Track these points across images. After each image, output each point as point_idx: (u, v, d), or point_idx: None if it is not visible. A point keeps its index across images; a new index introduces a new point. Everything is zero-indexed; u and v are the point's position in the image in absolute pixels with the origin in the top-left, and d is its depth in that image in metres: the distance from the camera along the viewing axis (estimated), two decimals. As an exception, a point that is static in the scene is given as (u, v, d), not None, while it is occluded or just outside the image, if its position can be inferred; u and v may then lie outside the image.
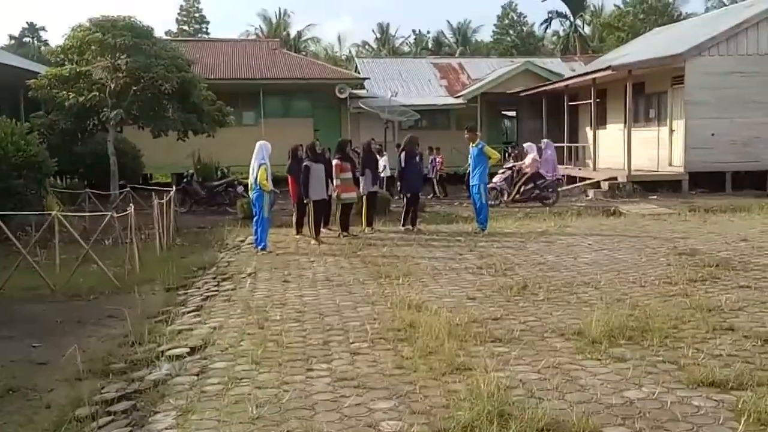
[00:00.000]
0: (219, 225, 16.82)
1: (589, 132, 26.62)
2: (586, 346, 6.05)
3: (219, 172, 21.95)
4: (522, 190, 19.74)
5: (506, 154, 25.75)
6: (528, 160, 19.94)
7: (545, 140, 21.20)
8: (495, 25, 68.98)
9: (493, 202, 16.42)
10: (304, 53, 57.26)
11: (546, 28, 66.12)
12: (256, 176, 12.05)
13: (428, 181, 22.96)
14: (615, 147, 25.00)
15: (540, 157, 19.88)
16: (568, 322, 6.90)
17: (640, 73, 22.52)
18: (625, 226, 14.36)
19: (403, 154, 14.56)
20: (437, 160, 24.27)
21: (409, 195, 14.46)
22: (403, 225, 14.44)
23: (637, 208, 18.01)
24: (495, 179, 19.01)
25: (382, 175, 19.83)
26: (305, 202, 13.11)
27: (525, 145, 20.42)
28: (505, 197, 19.77)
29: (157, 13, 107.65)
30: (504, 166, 21.10)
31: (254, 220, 12.33)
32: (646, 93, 24.13)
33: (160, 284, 9.69)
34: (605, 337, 6.24)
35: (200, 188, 20.63)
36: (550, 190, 19.81)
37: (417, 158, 14.53)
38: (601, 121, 26.33)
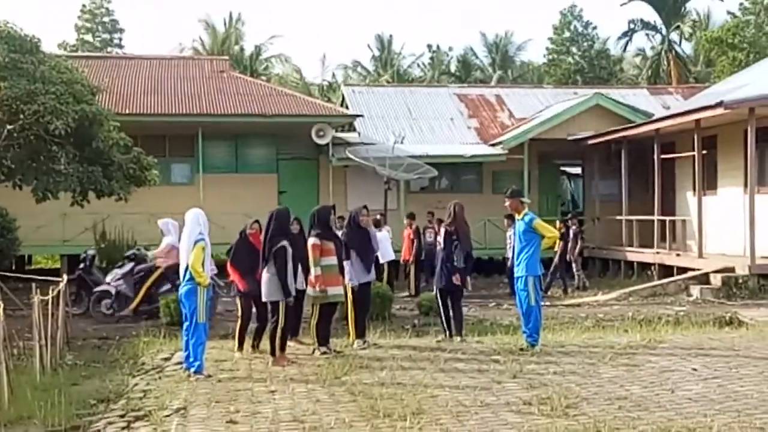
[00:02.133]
0: (131, 334, 16.74)
1: (692, 199, 26.80)
2: None
3: (132, 254, 21.93)
4: None
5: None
6: (162, 245, 19.87)
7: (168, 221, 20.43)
8: (550, 39, 70.13)
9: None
10: (264, 78, 58.15)
11: (626, 44, 67.27)
12: (189, 261, 12.07)
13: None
14: (731, 221, 25.17)
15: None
16: (663, 489, 6.84)
17: (768, 112, 22.86)
18: (747, 343, 14.30)
19: (442, 232, 14.81)
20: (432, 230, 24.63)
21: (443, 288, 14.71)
22: (452, 334, 14.69)
23: (766, 315, 17.96)
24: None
25: (380, 257, 19.88)
26: (264, 300, 13.10)
27: (160, 222, 20.13)
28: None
29: (48, 16, 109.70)
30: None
31: (184, 327, 12.30)
32: (778, 141, 24.46)
33: (41, 425, 9.60)
34: None
35: (104, 278, 20.63)
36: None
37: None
38: (709, 183, 26.58)
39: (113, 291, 19.91)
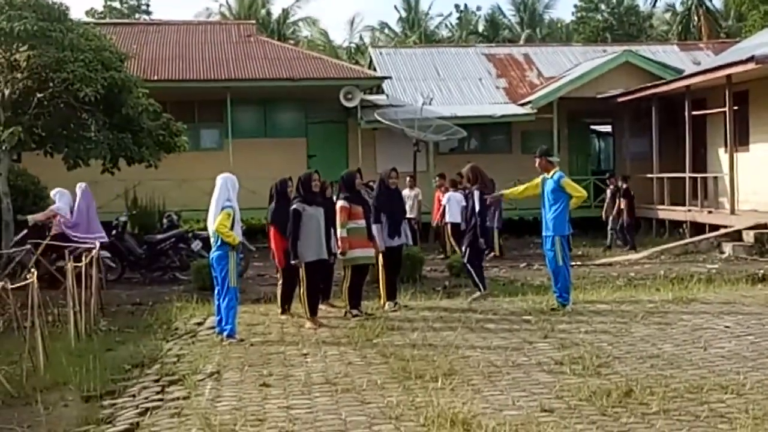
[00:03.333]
0: (164, 300, 16.87)
1: (724, 156, 26.60)
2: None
3: (165, 221, 22.11)
4: None
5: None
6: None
7: (82, 184, 20.19)
8: (578, -4, 69.63)
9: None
10: (292, 42, 58.02)
11: (655, 0, 66.75)
12: (213, 227, 12.09)
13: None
14: (763, 177, 24.98)
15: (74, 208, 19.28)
16: (696, 447, 6.84)
17: (801, 66, 22.62)
18: (781, 299, 14.26)
19: (477, 194, 14.80)
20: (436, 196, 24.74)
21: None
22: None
23: (799, 271, 17.90)
24: None
25: (413, 218, 19.96)
26: (295, 264, 13.14)
27: (53, 192, 19.83)
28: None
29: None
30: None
31: (216, 292, 12.37)
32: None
33: (76, 390, 9.71)
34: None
35: (136, 244, 20.79)
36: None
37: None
38: (741, 140, 26.35)
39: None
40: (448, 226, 22.98)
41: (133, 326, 14.14)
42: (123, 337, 13.22)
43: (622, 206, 25.34)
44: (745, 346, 10.64)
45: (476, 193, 14.89)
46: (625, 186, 25.72)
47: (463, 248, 15.24)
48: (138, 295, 18.23)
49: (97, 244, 16.16)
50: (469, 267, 15.16)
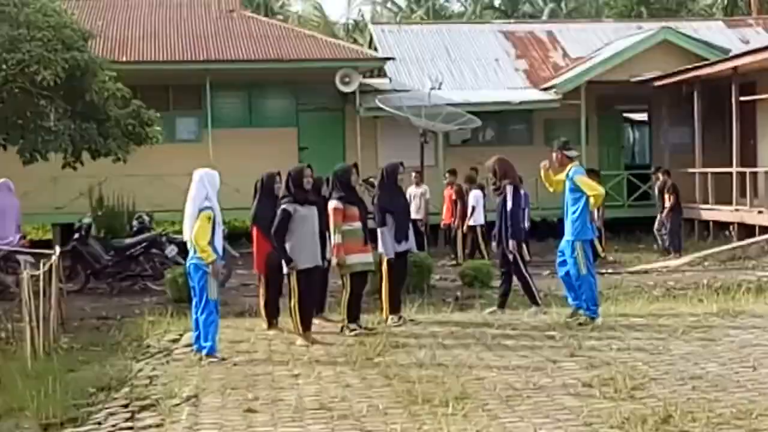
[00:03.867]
0: (134, 313, 16.87)
1: (778, 148, 26.60)
2: None
3: (135, 222, 22.16)
4: None
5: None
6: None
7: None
8: (609, -35, 69.63)
9: None
10: (281, 17, 58.04)
11: (697, -32, 66.65)
12: (191, 234, 12.05)
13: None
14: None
15: None
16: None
17: None
18: (842, 311, 14.27)
19: (510, 189, 14.76)
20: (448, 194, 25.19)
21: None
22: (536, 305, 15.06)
23: None
24: None
25: (420, 220, 20.03)
26: (285, 272, 13.15)
27: None
28: None
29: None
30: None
31: (194, 304, 12.36)
32: None
33: (33, 418, 9.70)
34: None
35: (102, 250, 20.82)
36: None
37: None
38: (797, 129, 26.38)
39: None
40: (478, 228, 23.20)
41: (98, 344, 14.15)
42: (87, 356, 13.22)
43: (670, 203, 25.46)
44: (802, 365, 10.65)
45: (509, 189, 14.85)
46: (670, 181, 25.85)
47: (510, 256, 15.13)
48: (104, 308, 18.25)
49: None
50: (524, 278, 15.20)
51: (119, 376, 11.49)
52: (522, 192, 15.34)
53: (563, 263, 14.07)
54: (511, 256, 15.09)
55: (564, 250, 14.08)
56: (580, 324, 13.60)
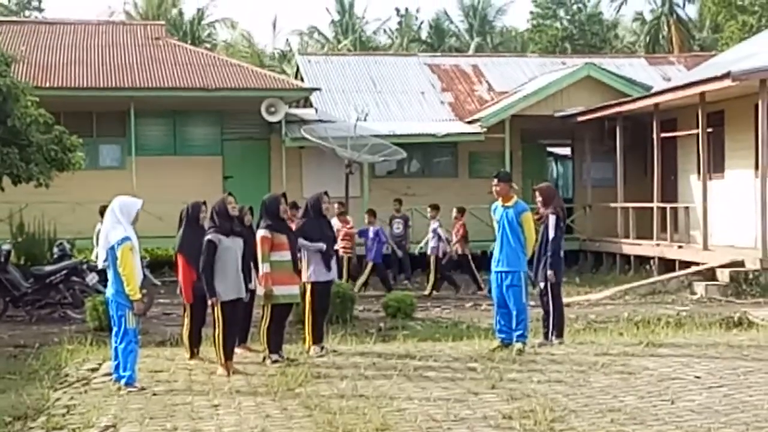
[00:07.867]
0: (53, 341, 16.66)
1: (696, 183, 26.96)
2: None
3: (55, 250, 21.94)
4: None
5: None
6: None
7: None
8: (534, 1, 70.27)
9: None
10: (207, 45, 58.01)
11: (619, 6, 67.63)
12: (115, 263, 11.80)
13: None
14: (740, 209, 25.36)
15: None
16: None
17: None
18: (758, 346, 14.42)
19: (553, 219, 14.60)
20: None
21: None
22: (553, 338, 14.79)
23: (779, 315, 18.14)
24: None
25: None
26: (209, 303, 13.07)
27: None
28: None
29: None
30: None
31: (114, 333, 12.25)
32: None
33: (-54, 447, 9.55)
34: None
35: (22, 277, 20.56)
36: None
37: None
38: (716, 166, 26.76)
39: None
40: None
41: (15, 372, 13.93)
42: (3, 385, 13.02)
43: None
44: (718, 398, 10.71)
45: (552, 218, 14.66)
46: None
47: (542, 286, 14.91)
48: (22, 336, 18.00)
49: None
50: (560, 308, 14.98)
51: (36, 405, 11.31)
52: (562, 223, 14.91)
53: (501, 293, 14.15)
54: (544, 285, 14.86)
55: (500, 281, 14.15)
56: (519, 352, 13.66)
